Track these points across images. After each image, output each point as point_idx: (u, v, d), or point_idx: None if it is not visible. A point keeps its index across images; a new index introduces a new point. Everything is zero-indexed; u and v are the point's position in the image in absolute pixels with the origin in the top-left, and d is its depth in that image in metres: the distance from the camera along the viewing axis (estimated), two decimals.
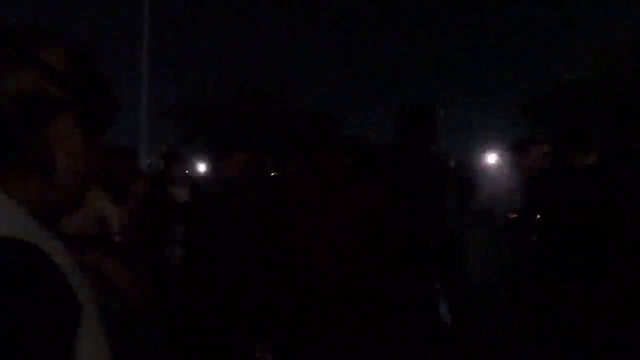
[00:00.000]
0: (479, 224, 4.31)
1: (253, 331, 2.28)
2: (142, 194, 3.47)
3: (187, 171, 4.46)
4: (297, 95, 21.40)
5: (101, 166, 2.75)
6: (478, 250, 3.96)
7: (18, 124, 0.60)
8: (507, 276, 3.84)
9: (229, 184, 3.27)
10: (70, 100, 0.63)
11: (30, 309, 0.52)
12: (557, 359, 3.23)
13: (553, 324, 3.27)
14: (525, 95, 20.71)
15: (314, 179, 2.20)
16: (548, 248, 3.35)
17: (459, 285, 2.69)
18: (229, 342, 2.70)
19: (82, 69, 0.66)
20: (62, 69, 0.63)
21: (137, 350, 1.49)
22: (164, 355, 2.01)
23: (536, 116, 18.81)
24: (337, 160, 2.25)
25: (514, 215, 3.77)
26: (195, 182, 4.55)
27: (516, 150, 4.04)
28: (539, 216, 3.52)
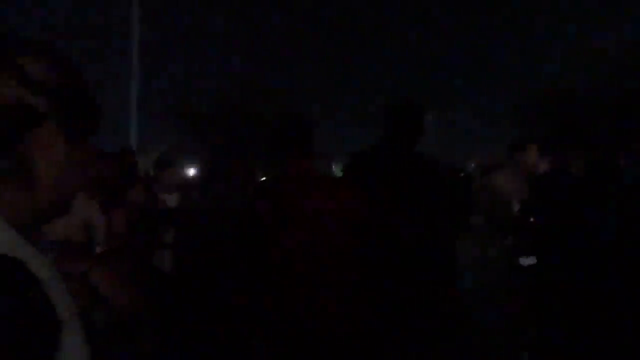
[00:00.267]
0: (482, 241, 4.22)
1: (250, 332, 2.27)
2: (139, 201, 3.44)
3: (178, 177, 4.43)
4: (291, 97, 21.38)
5: (95, 172, 2.73)
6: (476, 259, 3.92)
7: None
8: (504, 281, 3.83)
9: (218, 193, 3.26)
10: (51, 110, 0.63)
11: (9, 325, 0.51)
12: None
13: (551, 326, 3.29)
14: (515, 99, 20.89)
15: (293, 184, 2.19)
16: (546, 251, 3.38)
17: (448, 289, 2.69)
18: (224, 346, 2.68)
19: (65, 77, 0.65)
20: (43, 78, 0.62)
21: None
22: None
23: (524, 121, 18.97)
24: (312, 164, 2.25)
25: (515, 217, 3.79)
26: (186, 187, 4.52)
27: (515, 150, 4.03)
28: (532, 219, 3.55)
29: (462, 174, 5.31)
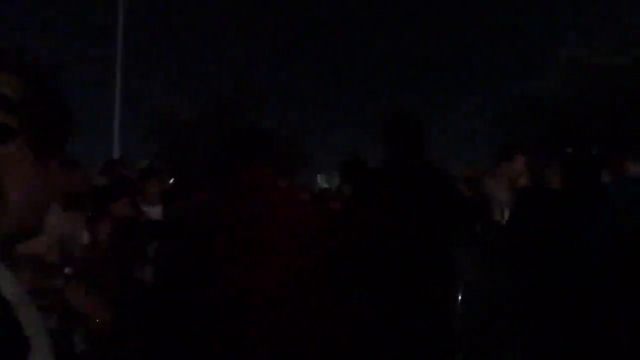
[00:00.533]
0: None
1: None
2: (123, 213, 3.37)
3: (161, 188, 4.37)
4: (272, 108, 21.42)
5: (69, 185, 2.67)
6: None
7: None
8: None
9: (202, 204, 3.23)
10: (21, 126, 0.61)
11: None
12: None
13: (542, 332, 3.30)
14: (496, 108, 21.17)
15: (244, 201, 2.15)
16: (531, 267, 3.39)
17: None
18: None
19: (36, 93, 0.63)
20: (11, 94, 0.61)
21: None
22: None
23: (505, 130, 19.20)
24: (269, 178, 2.22)
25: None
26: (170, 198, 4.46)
27: (502, 160, 4.01)
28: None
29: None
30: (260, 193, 2.16)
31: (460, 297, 3.47)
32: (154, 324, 2.77)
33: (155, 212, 3.97)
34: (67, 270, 1.95)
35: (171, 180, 5.16)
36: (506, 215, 3.84)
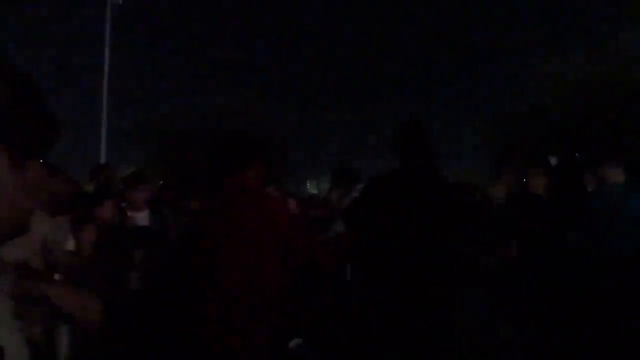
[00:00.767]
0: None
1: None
2: (108, 218, 3.35)
3: (148, 195, 4.34)
4: (262, 117, 21.35)
5: (52, 190, 2.65)
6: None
7: None
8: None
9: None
10: None
11: None
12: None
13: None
14: (486, 119, 21.34)
15: (231, 207, 2.16)
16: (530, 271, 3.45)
17: None
18: None
19: (13, 97, 0.63)
20: None
21: None
22: None
23: (494, 140, 19.40)
24: (250, 183, 2.22)
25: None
26: (157, 205, 4.44)
27: (502, 161, 4.13)
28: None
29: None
30: (244, 199, 2.17)
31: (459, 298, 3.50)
32: (141, 329, 2.76)
33: (141, 218, 3.95)
34: (56, 276, 1.93)
35: (159, 186, 5.14)
36: None
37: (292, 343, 2.98)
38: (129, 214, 3.89)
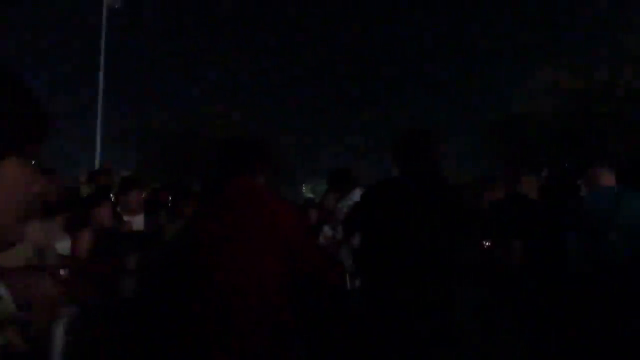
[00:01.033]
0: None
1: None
2: (104, 222, 3.34)
3: (142, 198, 4.34)
4: (258, 121, 21.35)
5: (42, 192, 2.65)
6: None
7: None
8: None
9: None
10: None
11: None
12: None
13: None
14: (482, 124, 21.40)
15: (230, 211, 2.15)
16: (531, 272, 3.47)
17: None
18: None
19: (5, 99, 0.62)
20: None
21: None
22: None
23: (490, 146, 19.48)
24: (252, 186, 2.21)
25: (488, 244, 3.87)
26: (152, 208, 4.44)
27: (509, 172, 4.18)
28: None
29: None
30: (248, 202, 2.17)
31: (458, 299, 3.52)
32: (135, 333, 2.75)
33: (137, 221, 3.95)
34: (62, 272, 1.92)
35: (158, 188, 5.13)
36: None
37: None
38: (125, 218, 3.89)
